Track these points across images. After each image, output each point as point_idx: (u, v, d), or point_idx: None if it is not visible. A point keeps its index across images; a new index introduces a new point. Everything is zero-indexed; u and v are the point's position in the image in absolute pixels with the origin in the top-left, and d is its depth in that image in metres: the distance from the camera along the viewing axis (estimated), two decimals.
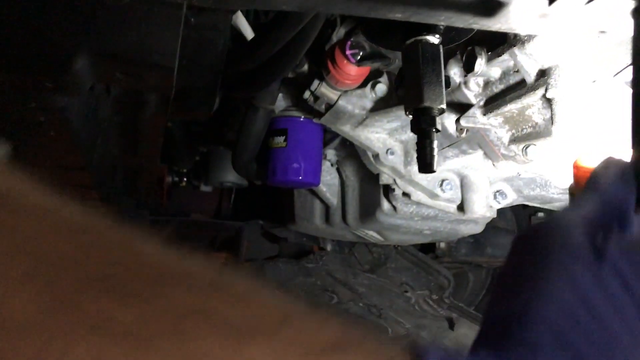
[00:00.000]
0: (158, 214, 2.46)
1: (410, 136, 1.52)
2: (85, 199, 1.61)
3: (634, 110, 0.59)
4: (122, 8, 0.58)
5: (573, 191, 0.86)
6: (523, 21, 0.65)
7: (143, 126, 1.19)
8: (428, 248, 2.52)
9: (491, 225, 2.31)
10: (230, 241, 2.58)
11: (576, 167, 0.83)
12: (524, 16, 0.64)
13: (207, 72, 1.19)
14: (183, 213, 2.67)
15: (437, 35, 0.83)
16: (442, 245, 2.42)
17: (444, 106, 0.84)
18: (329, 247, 2.57)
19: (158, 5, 0.59)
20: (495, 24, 0.66)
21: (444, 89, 0.83)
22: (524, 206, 2.32)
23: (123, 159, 1.47)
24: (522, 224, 2.37)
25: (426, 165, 0.83)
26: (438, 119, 0.84)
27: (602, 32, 0.83)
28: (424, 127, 0.82)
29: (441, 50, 0.85)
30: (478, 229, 1.81)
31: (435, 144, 0.84)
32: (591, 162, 0.83)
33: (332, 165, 1.93)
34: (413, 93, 0.82)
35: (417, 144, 0.83)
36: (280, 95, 1.68)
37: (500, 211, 2.20)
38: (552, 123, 1.13)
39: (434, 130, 0.84)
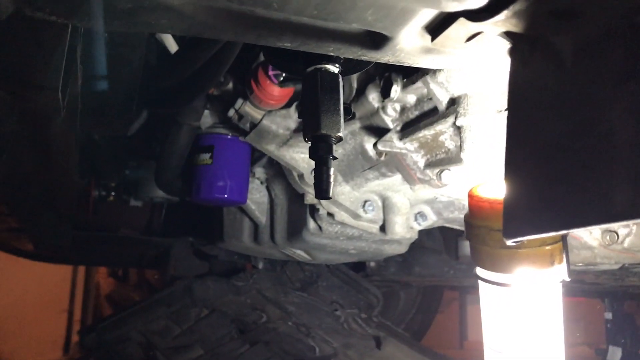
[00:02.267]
0: (84, 229, 2.37)
1: None
2: None
3: (507, 143, 0.61)
4: (1, 26, 0.56)
5: (468, 219, 0.89)
6: (410, 55, 0.67)
7: (53, 141, 1.15)
8: (359, 267, 2.55)
9: (420, 245, 2.36)
10: (159, 258, 2.52)
11: (470, 197, 0.86)
12: (409, 50, 0.66)
13: (122, 88, 1.17)
14: (112, 228, 2.59)
15: (337, 65, 0.85)
16: (372, 264, 2.44)
17: (341, 134, 0.85)
18: (260, 265, 2.56)
19: (41, 25, 0.58)
20: (384, 56, 0.68)
21: (341, 118, 0.85)
22: None
23: (36, 173, 1.42)
24: (450, 245, 2.43)
25: (322, 192, 0.84)
26: (335, 147, 0.85)
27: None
28: (321, 154, 0.83)
29: (340, 80, 0.86)
30: (402, 249, 1.84)
31: (332, 171, 0.85)
32: (485, 192, 0.86)
33: (261, 183, 1.92)
34: (311, 120, 0.84)
35: (315, 170, 0.84)
36: (207, 112, 1.67)
37: (428, 231, 2.25)
38: (461, 150, 1.17)
39: (330, 157, 0.85)
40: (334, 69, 0.85)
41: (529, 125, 0.59)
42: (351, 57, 0.68)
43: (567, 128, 0.53)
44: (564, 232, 0.54)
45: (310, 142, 0.86)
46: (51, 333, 3.86)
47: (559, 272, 0.80)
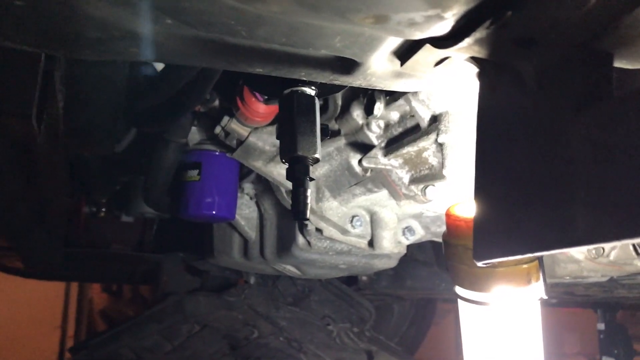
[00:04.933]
0: (75, 245, 2.37)
1: (321, 172, 1.54)
2: None
3: (476, 166, 0.62)
4: None
5: (446, 238, 0.89)
6: (381, 79, 0.68)
7: (37, 162, 1.15)
8: (351, 281, 2.54)
9: (411, 258, 2.36)
10: (151, 273, 2.52)
11: (448, 216, 0.87)
12: (380, 74, 0.66)
13: (105, 108, 1.18)
14: (103, 244, 2.59)
15: (313, 87, 0.86)
16: (364, 278, 2.44)
17: (318, 156, 0.86)
18: (252, 280, 2.55)
19: (11, 54, 0.58)
20: (355, 81, 0.69)
21: (318, 139, 0.85)
22: None
23: (23, 193, 1.42)
24: (441, 258, 2.43)
25: (299, 213, 0.84)
26: (312, 168, 0.86)
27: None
28: (297, 176, 0.84)
29: (317, 102, 0.87)
30: (392, 263, 1.84)
31: (309, 192, 0.86)
32: (462, 211, 0.87)
33: (250, 198, 1.92)
34: (288, 142, 0.84)
35: (292, 192, 0.85)
36: (194, 128, 1.68)
37: (419, 244, 2.25)
38: (443, 166, 1.17)
39: (307, 178, 0.86)
40: (310, 91, 0.86)
41: (496, 148, 0.60)
42: (323, 81, 0.69)
43: (531, 152, 0.54)
44: (530, 255, 0.54)
45: (287, 164, 0.86)
46: (44, 350, 3.84)
47: (537, 290, 0.81)
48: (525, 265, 0.78)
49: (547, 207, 0.51)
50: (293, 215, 0.85)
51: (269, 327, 2.31)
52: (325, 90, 0.89)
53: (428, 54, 0.59)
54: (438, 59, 0.61)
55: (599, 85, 0.49)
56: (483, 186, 0.60)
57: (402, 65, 0.63)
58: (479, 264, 0.59)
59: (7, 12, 0.51)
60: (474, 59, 0.60)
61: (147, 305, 3.40)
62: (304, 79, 0.68)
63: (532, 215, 0.53)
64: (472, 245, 0.81)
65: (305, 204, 0.85)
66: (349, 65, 0.65)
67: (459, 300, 0.86)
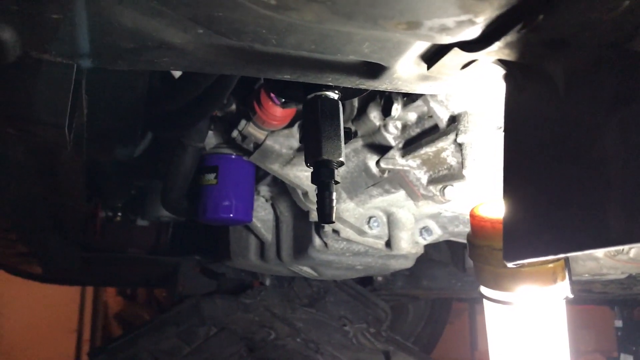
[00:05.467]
0: (91, 250, 2.39)
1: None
2: (3, 241, 1.56)
3: (505, 165, 0.62)
4: (9, 67, 0.58)
5: (470, 239, 0.89)
6: (407, 83, 0.68)
7: (59, 169, 1.17)
8: (367, 281, 2.55)
9: (427, 258, 2.36)
10: (167, 277, 2.54)
11: (472, 216, 0.87)
12: (406, 78, 0.67)
13: (126, 114, 1.19)
14: (119, 248, 2.61)
15: (337, 91, 0.87)
16: (380, 278, 2.45)
17: (342, 159, 0.87)
18: (268, 282, 2.56)
19: (47, 66, 0.60)
20: (382, 85, 0.69)
21: (342, 143, 0.86)
22: None
23: (44, 199, 1.44)
24: (457, 257, 2.43)
25: (325, 216, 0.85)
26: (336, 172, 0.87)
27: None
28: (323, 180, 0.85)
29: (340, 105, 0.88)
30: (408, 263, 1.84)
31: (334, 195, 0.86)
32: (487, 211, 0.87)
33: (266, 200, 1.93)
34: (312, 146, 0.85)
35: (317, 195, 0.86)
36: (211, 132, 1.69)
37: (435, 244, 2.25)
38: (463, 167, 1.18)
39: (332, 182, 0.86)
40: (333, 95, 0.86)
41: (525, 148, 0.60)
42: (350, 86, 0.69)
43: (562, 153, 0.54)
44: (562, 255, 0.54)
45: (312, 168, 0.87)
46: (60, 353, 3.87)
47: (562, 289, 0.81)
48: (551, 265, 0.78)
49: (579, 208, 0.51)
50: (319, 218, 0.86)
51: (285, 329, 2.32)
52: (349, 94, 0.90)
53: (456, 57, 0.59)
54: (465, 62, 0.61)
55: (632, 86, 0.49)
56: (512, 187, 0.61)
57: (428, 68, 0.63)
58: (510, 264, 0.60)
59: (45, 25, 0.52)
60: (502, 62, 0.60)
61: (162, 308, 3.42)
62: (331, 84, 0.68)
63: (564, 216, 0.53)
64: (497, 245, 0.81)
65: (332, 207, 0.86)
66: (375, 70, 0.65)
67: (484, 300, 0.86)
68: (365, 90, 0.77)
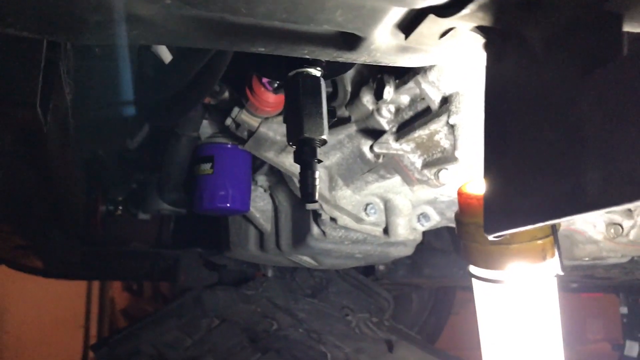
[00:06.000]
0: (93, 244, 2.39)
1: (333, 161, 1.53)
2: None
3: (485, 139, 0.61)
4: None
5: (458, 217, 0.88)
6: (386, 54, 0.67)
7: (51, 158, 1.16)
8: (369, 271, 2.53)
9: (428, 247, 2.34)
10: (169, 270, 2.54)
11: (460, 194, 0.85)
12: (385, 49, 0.65)
13: (115, 100, 1.19)
14: (121, 242, 2.61)
15: (319, 68, 0.85)
16: (382, 267, 2.43)
17: (325, 137, 0.85)
18: (270, 273, 2.56)
19: (13, 42, 0.59)
20: (360, 57, 0.68)
21: (325, 120, 0.85)
22: None
23: (38, 190, 1.43)
24: (459, 245, 2.41)
25: (308, 195, 0.84)
26: (319, 150, 0.85)
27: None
28: (305, 158, 0.83)
29: (322, 82, 0.86)
30: (408, 251, 1.83)
31: (317, 174, 0.85)
32: (474, 189, 0.86)
33: (264, 190, 1.92)
34: (294, 124, 0.84)
35: (300, 174, 0.84)
36: (205, 122, 1.68)
37: (436, 232, 2.23)
38: (455, 148, 1.16)
39: (315, 160, 0.85)
40: (315, 72, 0.85)
41: (504, 119, 0.58)
42: (327, 59, 0.68)
43: (540, 120, 0.53)
44: (540, 224, 0.53)
45: (294, 147, 0.86)
46: (68, 349, 3.89)
47: (552, 267, 0.79)
48: (539, 241, 0.77)
49: (557, 174, 0.50)
50: (302, 198, 0.84)
51: (287, 319, 2.32)
52: (332, 72, 0.88)
53: (432, 24, 0.58)
54: (443, 30, 0.60)
55: (609, 47, 0.47)
56: (492, 159, 0.59)
57: (406, 38, 0.62)
58: (490, 237, 0.58)
59: None
60: (480, 29, 0.58)
61: (168, 302, 3.43)
62: (307, 56, 0.67)
63: (542, 184, 0.51)
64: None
65: (314, 186, 0.84)
66: (352, 41, 0.64)
67: (472, 279, 0.85)
68: (347, 67, 0.76)
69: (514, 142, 0.56)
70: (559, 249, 0.77)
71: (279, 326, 2.29)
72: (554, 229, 0.77)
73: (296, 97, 0.83)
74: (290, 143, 0.87)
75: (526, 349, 0.82)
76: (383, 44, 0.64)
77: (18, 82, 0.62)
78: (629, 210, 1.36)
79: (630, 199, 0.42)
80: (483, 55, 0.65)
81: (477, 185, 0.83)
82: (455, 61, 0.69)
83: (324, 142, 0.85)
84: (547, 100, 0.52)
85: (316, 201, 0.85)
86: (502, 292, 0.82)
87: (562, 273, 0.78)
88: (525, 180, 0.53)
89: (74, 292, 4.00)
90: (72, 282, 3.68)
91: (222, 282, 2.51)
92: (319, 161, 0.86)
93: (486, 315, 0.85)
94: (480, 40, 0.62)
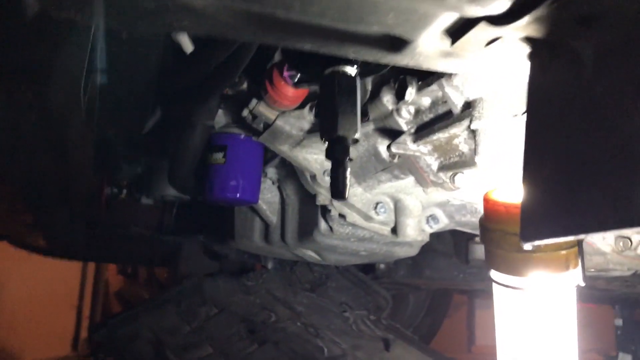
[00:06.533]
0: (96, 225, 2.39)
1: None
2: (9, 211, 1.56)
3: (526, 147, 0.61)
4: (28, 27, 0.57)
5: (484, 223, 0.89)
6: (429, 59, 0.67)
7: (70, 139, 1.16)
8: (369, 269, 2.54)
9: (430, 249, 2.35)
10: (170, 256, 2.54)
11: (486, 200, 0.86)
12: (429, 54, 0.66)
13: (138, 86, 1.19)
14: (123, 226, 2.61)
15: (355, 67, 0.85)
16: (382, 266, 2.44)
17: (357, 136, 0.86)
18: (270, 265, 2.57)
19: (64, 26, 0.59)
20: (403, 60, 0.68)
21: (358, 120, 0.85)
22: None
23: (53, 170, 1.43)
24: (460, 249, 2.42)
25: (338, 193, 0.84)
26: (352, 149, 0.86)
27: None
28: (337, 156, 0.84)
29: (358, 82, 0.87)
30: (413, 251, 1.84)
31: (348, 172, 0.86)
32: (501, 195, 0.86)
33: (273, 183, 1.93)
34: (328, 122, 0.84)
35: (331, 171, 0.85)
36: (220, 111, 1.68)
37: (439, 235, 2.24)
38: (475, 153, 1.17)
39: (347, 159, 0.86)
40: (351, 71, 0.85)
41: (547, 130, 0.59)
42: (370, 60, 0.68)
43: (586, 134, 0.54)
44: (581, 236, 0.54)
45: (326, 143, 0.86)
46: (60, 329, 3.90)
47: (574, 277, 0.80)
48: (564, 252, 0.77)
49: (604, 187, 0.50)
50: (332, 194, 0.85)
51: (286, 312, 2.33)
52: (366, 71, 0.89)
53: (481, 32, 0.58)
54: (490, 38, 0.60)
55: None
56: (532, 166, 0.60)
57: (452, 44, 0.62)
58: (526, 245, 0.59)
59: None
60: (528, 39, 0.59)
61: (163, 287, 3.43)
62: (352, 57, 0.67)
63: (586, 196, 0.52)
64: (510, 229, 0.81)
65: (345, 185, 0.85)
66: (398, 44, 0.64)
67: (493, 284, 0.86)
68: (382, 67, 0.76)
69: (557, 151, 0.57)
70: (582, 260, 0.78)
71: (278, 318, 2.30)
72: (580, 240, 0.78)
73: (332, 95, 0.83)
74: (323, 140, 0.87)
75: (542, 356, 0.83)
76: (428, 48, 0.65)
77: (66, 66, 0.62)
78: None
79: None
80: (526, 64, 0.66)
81: (504, 192, 0.84)
82: (495, 69, 0.69)
83: (356, 141, 0.86)
84: (595, 115, 0.53)
85: (346, 198, 0.85)
86: (522, 299, 0.83)
87: (583, 284, 0.80)
88: (568, 190, 0.54)
89: (69, 272, 4.00)
90: (67, 263, 3.68)
91: (223, 272, 2.52)
92: (350, 159, 0.86)
93: (505, 320, 0.86)
94: (525, 49, 0.62)
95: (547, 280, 0.79)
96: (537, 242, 0.58)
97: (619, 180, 0.49)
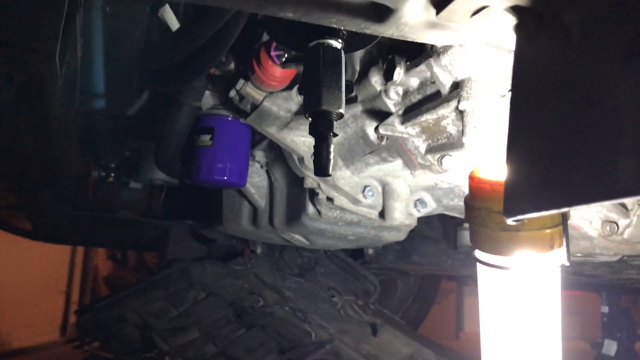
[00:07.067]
0: (83, 209, 2.37)
1: (336, 141, 1.52)
2: None
3: (510, 121, 0.60)
4: None
5: (468, 201, 0.88)
6: (414, 29, 0.66)
7: (51, 115, 1.14)
8: (357, 254, 2.54)
9: (418, 234, 2.35)
10: (157, 240, 2.52)
11: (471, 178, 0.85)
12: (414, 24, 0.64)
13: (122, 62, 1.16)
14: (111, 209, 2.58)
15: (340, 40, 0.84)
16: (371, 251, 2.44)
17: (342, 111, 0.84)
18: (259, 250, 2.56)
19: None
20: (387, 30, 0.66)
21: (343, 94, 0.83)
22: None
23: (36, 148, 1.41)
24: (449, 234, 2.42)
25: (322, 168, 0.83)
26: (336, 124, 0.84)
27: (497, 46, 0.86)
28: (321, 131, 0.82)
29: (343, 55, 0.85)
30: (401, 236, 1.83)
31: (332, 148, 0.84)
32: (486, 173, 0.85)
33: (261, 166, 1.91)
34: (312, 96, 0.82)
35: (315, 147, 0.83)
36: (208, 93, 1.66)
37: (427, 220, 2.24)
38: (462, 134, 1.15)
39: (331, 134, 0.84)
40: (336, 44, 0.84)
41: (533, 103, 0.58)
42: (354, 29, 0.66)
43: (572, 104, 0.52)
44: (566, 209, 0.53)
45: (310, 119, 0.85)
46: (49, 314, 3.88)
47: (559, 257, 0.80)
48: (548, 230, 0.77)
49: (588, 159, 0.49)
50: (315, 170, 0.84)
51: (274, 297, 2.32)
52: (351, 46, 0.87)
53: (467, 1, 0.57)
54: (476, 7, 0.59)
55: None
56: (517, 141, 0.59)
57: (437, 14, 0.61)
58: (509, 221, 0.58)
59: None
60: (514, 9, 0.58)
61: (152, 273, 3.41)
62: (335, 25, 0.66)
63: (570, 168, 0.51)
64: (495, 207, 0.80)
65: (328, 160, 0.83)
66: (382, 13, 0.63)
67: (477, 264, 0.85)
68: (370, 40, 0.74)
69: (542, 125, 0.55)
70: (567, 239, 0.77)
71: (265, 303, 2.30)
72: (565, 218, 0.77)
73: (316, 68, 0.82)
74: (307, 115, 0.86)
75: (525, 336, 0.83)
76: (413, 18, 0.63)
77: (40, 31, 0.60)
78: (626, 208, 1.37)
79: None
80: (512, 37, 0.65)
81: (490, 170, 0.83)
82: (481, 42, 0.68)
83: (341, 115, 0.84)
84: (581, 84, 0.52)
85: (329, 174, 0.84)
86: (506, 278, 0.82)
87: (567, 264, 0.79)
88: (552, 163, 0.53)
89: (58, 257, 3.98)
90: (56, 248, 3.66)
91: (211, 256, 2.50)
92: (335, 134, 0.85)
93: (489, 300, 0.85)
94: (511, 21, 0.61)
95: (531, 259, 0.79)
96: (521, 217, 0.57)
97: (604, 152, 0.48)
